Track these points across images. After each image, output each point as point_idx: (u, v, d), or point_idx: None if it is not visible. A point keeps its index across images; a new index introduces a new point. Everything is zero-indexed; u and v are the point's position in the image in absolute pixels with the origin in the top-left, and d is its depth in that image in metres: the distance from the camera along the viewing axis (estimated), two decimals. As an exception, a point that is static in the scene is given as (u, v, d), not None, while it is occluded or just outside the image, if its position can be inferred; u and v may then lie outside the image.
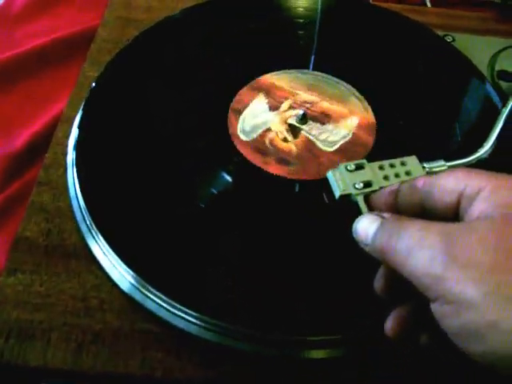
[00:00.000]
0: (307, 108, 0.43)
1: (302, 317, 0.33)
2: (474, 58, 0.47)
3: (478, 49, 0.49)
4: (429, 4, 0.58)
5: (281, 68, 0.46)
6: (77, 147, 0.39)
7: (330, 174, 0.32)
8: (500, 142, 0.36)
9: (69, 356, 0.32)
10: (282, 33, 0.49)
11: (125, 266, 0.34)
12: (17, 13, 0.61)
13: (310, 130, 0.42)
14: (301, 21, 0.50)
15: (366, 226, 0.26)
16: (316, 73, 0.46)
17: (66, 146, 0.41)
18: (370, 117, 0.43)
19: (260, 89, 0.44)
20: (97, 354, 0.32)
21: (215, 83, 0.45)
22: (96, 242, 0.35)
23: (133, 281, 0.34)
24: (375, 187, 0.30)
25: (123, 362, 0.32)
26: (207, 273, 0.34)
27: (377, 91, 0.44)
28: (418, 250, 0.22)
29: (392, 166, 0.31)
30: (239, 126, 0.42)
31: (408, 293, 0.24)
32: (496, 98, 0.42)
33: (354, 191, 0.30)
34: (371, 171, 0.31)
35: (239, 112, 0.43)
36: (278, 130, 0.42)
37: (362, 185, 0.30)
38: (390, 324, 0.26)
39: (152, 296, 0.33)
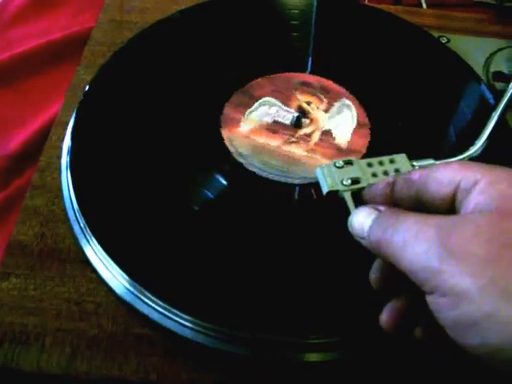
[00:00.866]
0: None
1: (297, 320, 0.33)
2: (470, 59, 0.47)
3: (474, 50, 0.49)
4: (424, 5, 0.58)
5: (274, 71, 0.46)
6: (71, 150, 0.39)
7: (318, 171, 0.32)
8: (491, 140, 0.36)
9: (63, 361, 0.32)
10: (275, 35, 0.49)
11: (119, 270, 0.34)
12: (12, 15, 0.61)
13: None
14: (295, 22, 0.50)
15: (361, 220, 0.26)
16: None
17: (60, 149, 0.41)
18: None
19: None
20: (91, 359, 0.32)
21: (209, 87, 0.45)
22: (90, 245, 0.35)
23: (127, 284, 0.33)
24: (363, 184, 0.30)
25: (118, 367, 0.32)
26: (202, 276, 0.34)
27: (371, 92, 0.44)
28: (414, 243, 0.22)
29: (381, 163, 0.31)
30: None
31: (404, 285, 0.24)
32: (491, 99, 0.42)
33: (341, 188, 0.30)
34: (360, 168, 0.31)
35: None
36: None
37: (349, 181, 0.30)
38: (385, 316, 0.26)
39: (146, 300, 0.33)
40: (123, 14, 0.51)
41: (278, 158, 0.40)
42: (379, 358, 0.32)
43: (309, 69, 0.46)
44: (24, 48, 0.58)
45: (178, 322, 0.32)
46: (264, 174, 0.39)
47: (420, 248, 0.22)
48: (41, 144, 0.43)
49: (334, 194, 0.31)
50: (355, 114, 0.43)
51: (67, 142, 0.40)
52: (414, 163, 0.33)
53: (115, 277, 0.34)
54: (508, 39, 0.49)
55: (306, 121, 0.43)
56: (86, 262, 0.35)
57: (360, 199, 0.31)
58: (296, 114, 0.42)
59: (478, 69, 0.47)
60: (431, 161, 0.34)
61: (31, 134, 0.50)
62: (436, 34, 0.49)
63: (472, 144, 0.37)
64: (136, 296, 0.33)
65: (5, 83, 0.54)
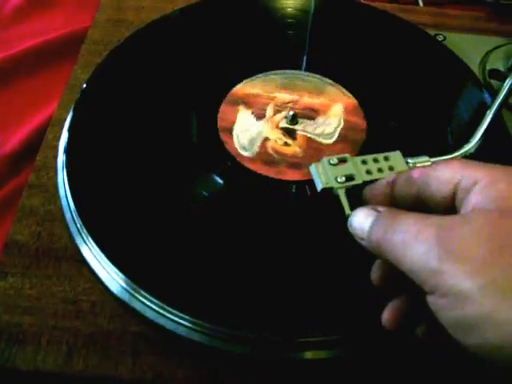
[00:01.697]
0: (291, 108, 0.43)
1: (294, 318, 0.33)
2: (466, 56, 0.47)
3: (470, 48, 0.49)
4: (421, 3, 0.58)
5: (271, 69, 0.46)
6: (67, 150, 0.39)
7: (312, 168, 0.32)
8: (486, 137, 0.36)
9: (60, 360, 0.32)
10: (269, 34, 0.49)
11: (115, 269, 0.34)
12: (8, 14, 0.61)
13: (305, 128, 0.42)
14: (290, 21, 0.50)
15: (361, 221, 0.26)
16: (285, 71, 0.46)
17: (57, 148, 0.41)
18: (351, 100, 0.44)
19: (237, 101, 0.44)
20: (88, 358, 0.32)
21: (206, 84, 0.45)
22: (86, 244, 0.35)
23: (123, 283, 0.33)
24: (358, 181, 0.31)
25: (114, 365, 0.32)
26: (198, 274, 0.34)
27: (366, 90, 0.44)
28: (414, 244, 0.22)
29: (375, 160, 0.31)
30: (236, 144, 0.41)
31: (405, 284, 0.24)
32: (486, 97, 0.42)
33: (335, 185, 0.31)
34: (354, 165, 0.31)
35: (229, 130, 0.42)
36: (275, 136, 0.42)
37: (344, 178, 0.31)
38: (386, 315, 0.27)
39: (142, 298, 0.33)
40: (119, 13, 0.51)
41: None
42: (378, 356, 0.33)
43: (304, 66, 0.46)
44: (21, 48, 0.58)
45: (174, 321, 0.32)
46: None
47: (419, 249, 0.22)
48: (38, 144, 0.43)
49: (329, 191, 0.31)
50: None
51: (63, 141, 0.40)
52: (409, 160, 0.34)
53: (111, 276, 0.34)
54: (504, 37, 0.49)
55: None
56: (83, 261, 0.35)
57: (354, 196, 0.31)
58: (291, 112, 0.42)
59: (475, 67, 0.47)
60: (425, 157, 0.34)
61: (28, 134, 0.50)
62: (432, 32, 0.49)
63: (467, 141, 0.37)
64: (132, 295, 0.33)
65: (2, 83, 0.54)
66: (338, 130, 0.42)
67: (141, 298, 0.33)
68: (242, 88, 0.45)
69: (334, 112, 0.43)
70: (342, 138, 0.42)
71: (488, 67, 0.47)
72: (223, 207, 0.38)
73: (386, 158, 0.33)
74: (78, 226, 0.36)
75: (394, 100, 0.44)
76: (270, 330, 0.32)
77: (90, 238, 0.35)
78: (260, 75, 0.46)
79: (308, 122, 0.42)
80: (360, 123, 0.43)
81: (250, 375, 0.32)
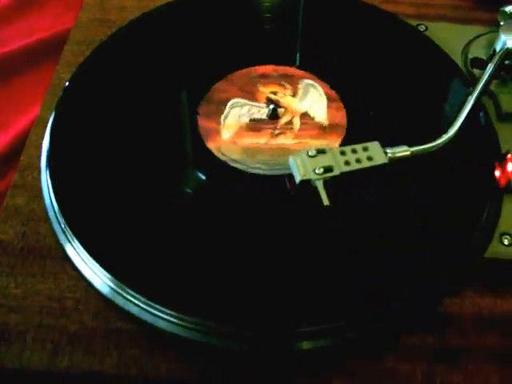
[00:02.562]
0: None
1: (279, 311, 0.33)
2: (448, 46, 0.47)
3: (452, 37, 0.49)
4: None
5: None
6: (50, 149, 0.39)
7: (291, 160, 0.32)
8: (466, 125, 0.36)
9: (45, 357, 0.32)
10: (250, 29, 0.49)
11: (99, 267, 0.34)
12: (-5, 16, 0.62)
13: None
14: (267, 15, 0.50)
15: None
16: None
17: (41, 148, 0.41)
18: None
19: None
20: (72, 354, 0.32)
21: (189, 81, 0.45)
22: (70, 243, 0.36)
23: (107, 280, 0.34)
24: (336, 172, 0.31)
25: (98, 361, 0.32)
26: (182, 270, 0.34)
27: (347, 82, 0.44)
28: None
29: (354, 151, 0.32)
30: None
31: None
32: (467, 86, 0.42)
33: (313, 176, 0.31)
34: (333, 157, 0.32)
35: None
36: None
37: (322, 170, 0.31)
38: None
39: (126, 294, 0.33)
40: (102, 13, 0.52)
41: (272, 153, 0.40)
42: (368, 347, 0.33)
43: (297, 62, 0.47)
44: (7, 49, 0.58)
45: (158, 316, 0.32)
46: (268, 173, 0.39)
47: None
48: (24, 145, 0.43)
49: (307, 183, 0.32)
50: (322, 90, 0.44)
51: (46, 142, 0.41)
52: (388, 150, 0.34)
53: (95, 273, 0.34)
54: (486, 25, 0.49)
55: (280, 110, 0.43)
56: (67, 259, 0.36)
57: (332, 187, 0.31)
58: (271, 106, 0.42)
59: (457, 56, 0.47)
60: (404, 147, 0.34)
61: (14, 135, 0.51)
62: (414, 23, 0.49)
63: (447, 130, 0.37)
64: (115, 291, 0.33)
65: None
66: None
67: (124, 294, 0.33)
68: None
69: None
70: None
71: (470, 56, 0.47)
72: (213, 204, 0.38)
73: (365, 149, 0.33)
74: (62, 224, 0.36)
75: (373, 89, 0.44)
76: (252, 323, 0.32)
77: (73, 237, 0.35)
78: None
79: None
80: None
81: (234, 368, 0.32)
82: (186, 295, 0.33)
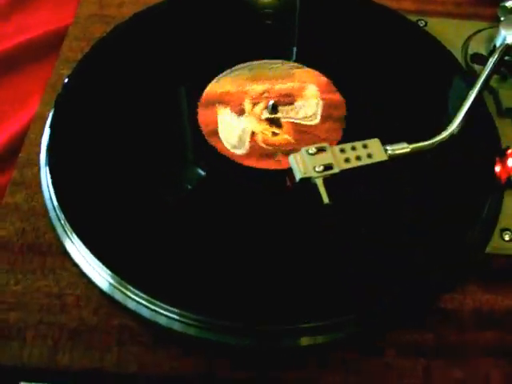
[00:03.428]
0: (267, 98, 0.43)
1: (280, 306, 0.33)
2: (447, 41, 0.47)
3: (452, 33, 0.48)
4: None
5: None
6: (49, 146, 0.39)
7: (291, 158, 0.32)
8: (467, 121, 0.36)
9: (45, 354, 0.32)
10: (248, 26, 0.49)
11: (99, 263, 0.34)
12: (-9, 12, 0.61)
13: (288, 115, 0.42)
14: (268, 11, 0.50)
15: None
16: (251, 63, 0.46)
17: (40, 145, 0.41)
18: (321, 78, 0.44)
19: (213, 102, 0.43)
20: (73, 351, 0.32)
21: (189, 77, 0.45)
22: (70, 239, 0.36)
23: (107, 277, 0.34)
24: (335, 170, 0.31)
25: (99, 358, 0.32)
26: (183, 266, 0.34)
27: (346, 77, 0.44)
28: None
29: (354, 148, 0.32)
30: (227, 145, 0.40)
31: None
32: (467, 82, 0.42)
33: (313, 174, 0.31)
34: (332, 154, 0.32)
35: (215, 133, 0.41)
36: (262, 129, 0.41)
37: (322, 168, 0.31)
38: None
39: (126, 291, 0.33)
40: (101, 8, 0.51)
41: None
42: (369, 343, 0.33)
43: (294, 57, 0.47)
44: (6, 45, 0.58)
45: (158, 312, 0.32)
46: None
47: None
48: (23, 141, 0.43)
49: (307, 181, 0.32)
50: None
51: (46, 138, 0.40)
52: (388, 147, 0.34)
53: (95, 270, 0.34)
54: (486, 21, 0.49)
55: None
56: (67, 256, 0.36)
57: (332, 185, 0.31)
58: (271, 102, 0.42)
59: (457, 51, 0.47)
60: (404, 144, 0.34)
61: (14, 133, 0.51)
62: (414, 18, 0.49)
63: (447, 126, 0.37)
64: (116, 287, 0.33)
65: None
66: (319, 109, 0.42)
67: (124, 291, 0.33)
68: (213, 88, 0.44)
69: (309, 93, 0.43)
70: (327, 116, 0.41)
71: (470, 52, 0.47)
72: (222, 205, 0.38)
73: (365, 146, 0.33)
74: (62, 221, 0.36)
75: (374, 86, 0.44)
76: (254, 318, 0.32)
77: (73, 233, 0.35)
78: (226, 72, 0.45)
79: (288, 107, 0.42)
80: (338, 99, 0.43)
81: (236, 364, 0.32)
82: (186, 291, 0.33)
